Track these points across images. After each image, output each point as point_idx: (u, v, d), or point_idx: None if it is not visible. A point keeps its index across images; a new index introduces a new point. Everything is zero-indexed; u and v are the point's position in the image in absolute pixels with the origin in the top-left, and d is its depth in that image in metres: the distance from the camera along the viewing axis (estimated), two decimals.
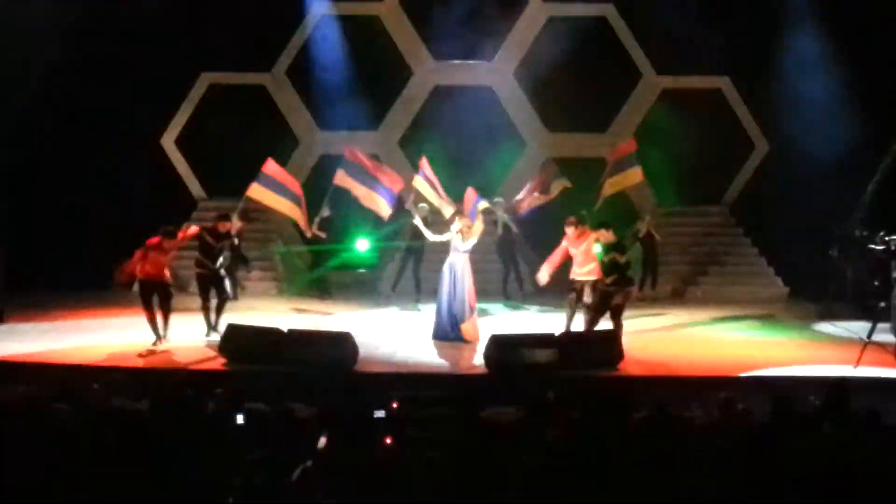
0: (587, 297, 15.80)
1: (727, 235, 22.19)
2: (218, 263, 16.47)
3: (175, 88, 22.27)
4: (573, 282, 16.01)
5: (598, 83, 21.92)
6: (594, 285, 15.62)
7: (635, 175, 18.06)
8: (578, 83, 21.59)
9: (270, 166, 17.47)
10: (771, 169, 22.01)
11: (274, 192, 17.45)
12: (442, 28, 21.79)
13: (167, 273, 15.68)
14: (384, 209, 17.68)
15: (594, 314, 15.20)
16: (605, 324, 15.13)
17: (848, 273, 18.56)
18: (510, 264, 20.17)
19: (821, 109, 20.27)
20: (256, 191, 17.29)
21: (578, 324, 15.70)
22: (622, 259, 15.06)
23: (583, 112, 22.04)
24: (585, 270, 15.81)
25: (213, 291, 16.41)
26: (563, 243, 16.07)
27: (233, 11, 21.42)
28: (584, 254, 15.76)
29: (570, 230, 15.95)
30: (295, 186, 17.72)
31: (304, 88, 22.42)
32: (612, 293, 15.00)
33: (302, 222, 18.14)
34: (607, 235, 15.21)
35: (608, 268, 15.08)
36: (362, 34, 22.15)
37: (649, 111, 22.35)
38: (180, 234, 15.95)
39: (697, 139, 21.43)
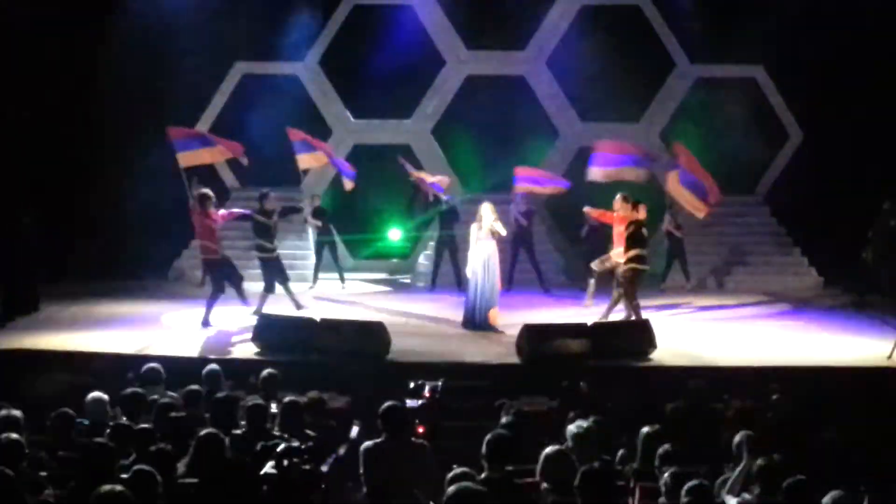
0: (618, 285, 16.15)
1: (761, 225, 22.07)
2: (275, 242, 16.78)
3: (209, 77, 22.33)
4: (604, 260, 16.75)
5: (632, 72, 21.81)
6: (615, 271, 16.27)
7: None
8: (611, 72, 21.46)
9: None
10: (805, 158, 21.86)
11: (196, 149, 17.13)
12: (475, 17, 21.78)
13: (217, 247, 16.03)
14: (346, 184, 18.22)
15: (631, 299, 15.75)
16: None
17: (882, 272, 18.42)
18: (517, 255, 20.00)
19: (856, 98, 20.14)
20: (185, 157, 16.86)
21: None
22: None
23: (616, 101, 21.93)
24: (618, 252, 16.23)
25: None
26: (613, 213, 16.51)
27: (266, 1, 21.49)
28: (619, 235, 16.20)
29: (619, 206, 16.32)
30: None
31: (337, 78, 22.43)
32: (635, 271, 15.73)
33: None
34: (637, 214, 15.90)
35: (633, 241, 15.65)
36: (395, 23, 22.13)
37: (683, 100, 22.23)
38: (224, 213, 16.34)
39: (731, 128, 21.31)
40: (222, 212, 16.52)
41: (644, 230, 15.96)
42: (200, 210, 15.86)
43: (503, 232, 15.83)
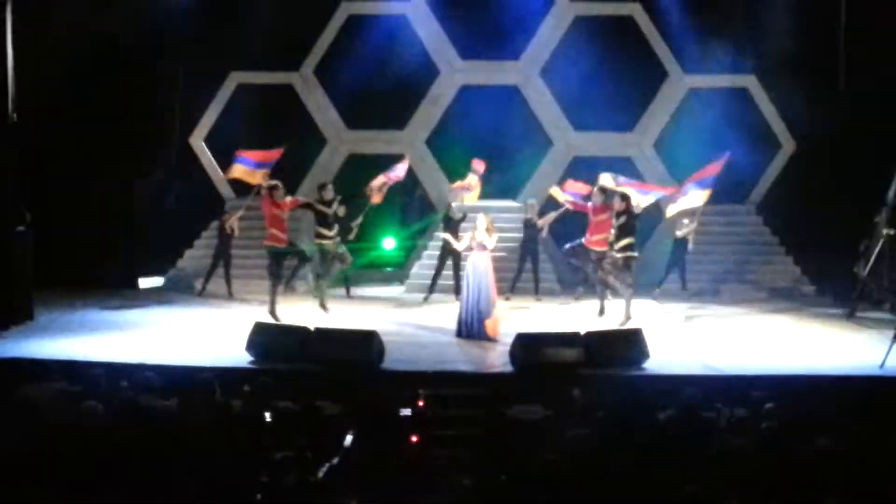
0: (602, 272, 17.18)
1: (753, 234, 22.10)
2: (335, 230, 17.94)
3: (204, 87, 22.36)
4: (580, 247, 17.63)
5: (625, 82, 21.88)
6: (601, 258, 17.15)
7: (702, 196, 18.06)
8: (605, 82, 21.52)
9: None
10: (798, 168, 21.93)
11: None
12: (469, 27, 21.84)
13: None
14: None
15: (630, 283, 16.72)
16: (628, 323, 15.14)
17: (873, 283, 18.50)
18: (525, 264, 20.17)
19: (849, 108, 20.21)
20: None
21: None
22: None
23: (609, 111, 21.96)
24: (594, 240, 17.28)
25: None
26: (589, 204, 17.53)
27: (262, 10, 21.53)
28: (598, 224, 17.25)
29: (597, 198, 17.29)
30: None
31: (332, 88, 22.46)
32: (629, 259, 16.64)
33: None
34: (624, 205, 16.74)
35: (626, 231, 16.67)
36: (390, 33, 22.17)
37: (676, 110, 22.30)
38: (290, 200, 17.56)
39: (724, 138, 21.37)
40: (289, 199, 17.55)
41: (636, 221, 16.88)
42: (270, 200, 17.01)
43: (489, 245, 15.92)
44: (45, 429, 9.49)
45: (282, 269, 17.67)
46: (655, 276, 19.89)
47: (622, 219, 16.72)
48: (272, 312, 16.91)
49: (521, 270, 20.10)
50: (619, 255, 16.76)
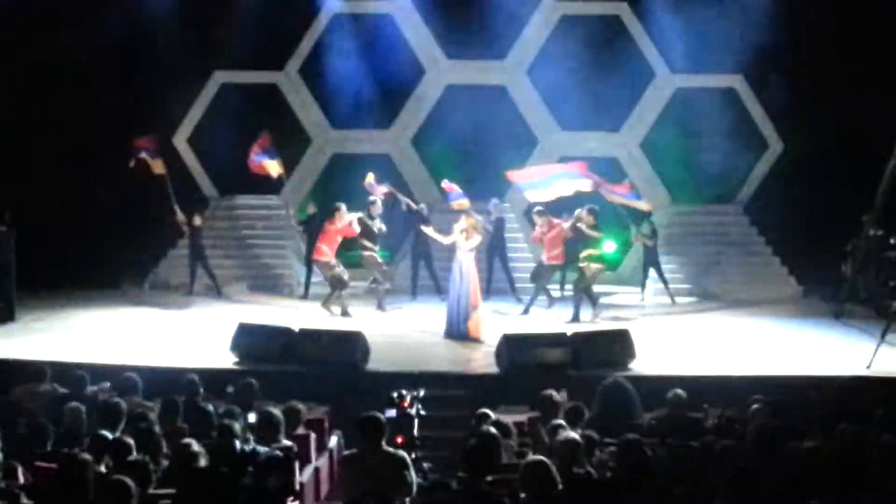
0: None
1: (741, 235, 22.07)
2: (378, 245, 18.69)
3: (188, 87, 22.24)
4: (540, 267, 18.38)
5: (612, 82, 21.83)
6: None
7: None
8: (592, 82, 21.48)
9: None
10: (785, 168, 21.91)
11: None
12: (455, 27, 21.78)
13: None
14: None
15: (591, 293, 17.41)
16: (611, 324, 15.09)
17: (860, 283, 18.52)
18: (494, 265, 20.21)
19: (835, 108, 20.20)
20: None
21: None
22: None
23: (596, 111, 21.92)
24: (553, 255, 18.03)
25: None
26: (535, 232, 18.43)
27: (246, 10, 21.43)
28: (551, 240, 17.97)
29: (539, 220, 18.12)
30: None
31: (317, 87, 22.37)
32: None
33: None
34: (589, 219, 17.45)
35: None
36: (375, 33, 22.09)
37: (663, 109, 22.26)
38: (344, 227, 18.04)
39: (711, 138, 21.37)
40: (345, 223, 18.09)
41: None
42: (331, 219, 17.98)
43: (462, 248, 15.90)
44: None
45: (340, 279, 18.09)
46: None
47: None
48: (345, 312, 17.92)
49: (491, 272, 19.99)
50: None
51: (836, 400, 11.62)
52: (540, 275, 18.36)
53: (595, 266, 17.34)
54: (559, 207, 18.19)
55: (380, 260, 18.76)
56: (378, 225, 18.35)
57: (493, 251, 20.06)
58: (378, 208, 18.47)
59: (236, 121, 21.41)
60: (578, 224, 17.49)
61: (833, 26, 20.53)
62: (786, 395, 11.83)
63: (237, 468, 8.14)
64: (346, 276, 18.15)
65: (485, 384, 13.53)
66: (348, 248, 18.69)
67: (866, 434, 9.07)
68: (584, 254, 17.44)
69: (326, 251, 17.90)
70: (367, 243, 18.33)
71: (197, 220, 19.85)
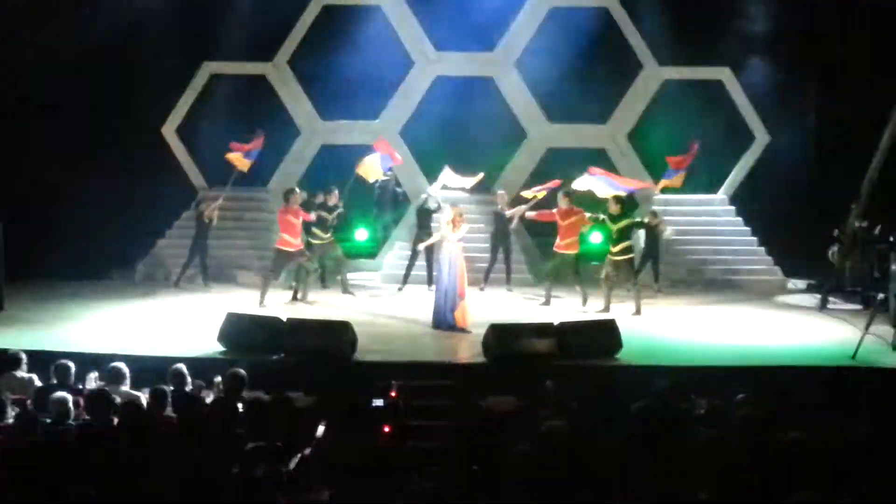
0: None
1: (726, 225, 22.14)
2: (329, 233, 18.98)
3: (177, 77, 22.23)
4: (555, 254, 18.17)
5: (600, 74, 21.91)
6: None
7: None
8: (580, 74, 21.54)
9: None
10: (771, 158, 21.97)
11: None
12: (444, 18, 21.78)
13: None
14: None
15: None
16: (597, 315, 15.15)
17: (846, 270, 18.62)
18: (497, 255, 20.18)
19: (821, 100, 20.28)
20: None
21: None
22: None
23: (584, 103, 21.99)
24: (565, 243, 17.85)
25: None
26: (554, 210, 18.00)
27: (235, 1, 21.44)
28: (568, 227, 17.79)
29: (563, 203, 17.89)
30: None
31: (306, 78, 22.38)
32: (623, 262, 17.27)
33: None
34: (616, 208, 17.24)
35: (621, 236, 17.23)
36: (364, 24, 22.08)
37: (650, 101, 22.30)
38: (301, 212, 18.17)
39: (698, 129, 21.41)
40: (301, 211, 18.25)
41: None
42: (285, 206, 17.96)
43: (452, 238, 15.88)
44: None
45: (280, 272, 18.41)
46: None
47: (624, 222, 17.33)
48: (261, 304, 17.42)
49: (494, 261, 20.06)
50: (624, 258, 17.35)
51: (821, 391, 11.71)
52: (565, 270, 18.22)
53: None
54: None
55: (336, 253, 19.12)
56: (336, 213, 18.79)
57: (498, 242, 20.11)
58: (335, 197, 18.84)
59: (225, 111, 21.44)
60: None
61: (820, 19, 20.61)
62: (770, 385, 11.90)
63: (226, 458, 8.18)
64: (315, 265, 18.63)
65: (472, 373, 13.57)
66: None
67: (851, 425, 9.13)
68: (617, 247, 17.28)
69: (289, 239, 18.00)
70: (318, 230, 18.65)
71: (213, 215, 19.97)
